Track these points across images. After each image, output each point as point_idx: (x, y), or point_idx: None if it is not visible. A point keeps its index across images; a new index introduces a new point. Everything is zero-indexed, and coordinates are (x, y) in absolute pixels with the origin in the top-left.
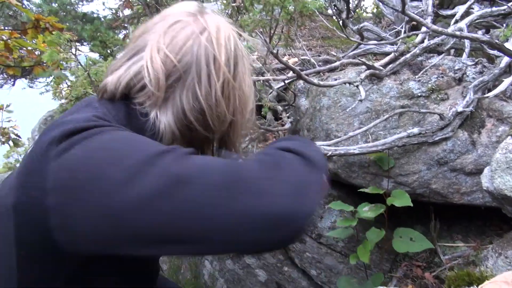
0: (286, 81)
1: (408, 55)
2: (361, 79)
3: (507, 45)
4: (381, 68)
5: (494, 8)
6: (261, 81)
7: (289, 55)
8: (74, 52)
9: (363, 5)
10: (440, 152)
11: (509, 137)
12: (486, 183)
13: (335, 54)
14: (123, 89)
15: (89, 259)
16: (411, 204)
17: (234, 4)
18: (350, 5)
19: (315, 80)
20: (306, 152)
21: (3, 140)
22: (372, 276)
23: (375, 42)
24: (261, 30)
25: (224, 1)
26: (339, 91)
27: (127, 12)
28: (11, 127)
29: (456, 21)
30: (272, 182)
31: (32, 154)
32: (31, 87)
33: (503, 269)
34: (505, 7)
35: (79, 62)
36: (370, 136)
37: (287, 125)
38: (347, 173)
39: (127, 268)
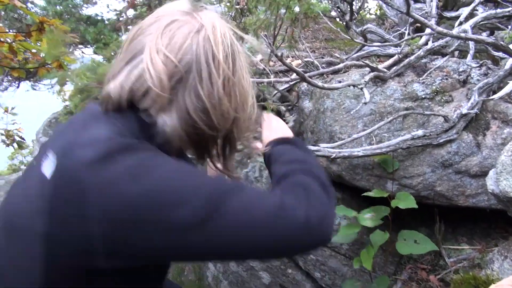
0: (290, 83)
1: (412, 57)
2: (365, 81)
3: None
4: (385, 70)
5: (498, 10)
6: (265, 83)
7: (292, 57)
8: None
9: (367, 6)
10: (444, 154)
11: None
12: (491, 186)
13: (338, 56)
14: (128, 96)
15: (119, 270)
16: (416, 206)
17: (238, 7)
18: (354, 7)
19: (319, 83)
20: (322, 177)
21: (7, 142)
22: (376, 279)
23: (379, 44)
24: (265, 33)
25: (228, 4)
26: (343, 93)
27: (131, 12)
28: (15, 129)
29: (461, 23)
30: (305, 214)
31: (58, 178)
32: (35, 89)
33: (509, 272)
34: (509, 9)
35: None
36: (374, 138)
37: (290, 124)
38: (351, 175)
39: (147, 271)
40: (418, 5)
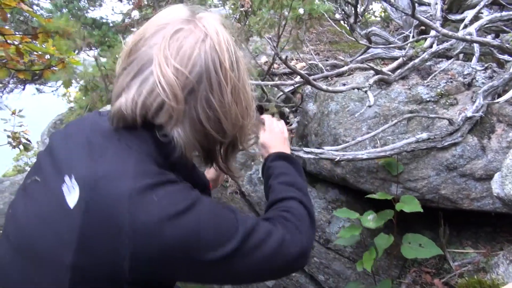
0: (295, 86)
1: (416, 60)
2: (369, 84)
3: None
4: (390, 73)
5: (504, 13)
6: (269, 86)
7: (296, 59)
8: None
9: (371, 8)
10: (449, 157)
11: None
12: (496, 189)
13: (342, 58)
14: (141, 111)
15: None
16: (421, 210)
17: (242, 9)
18: (358, 10)
19: (324, 86)
20: (310, 208)
21: (14, 144)
22: (380, 282)
23: (383, 46)
24: (270, 36)
25: (232, 6)
26: (347, 96)
27: (136, 13)
28: (22, 131)
29: (466, 26)
30: (295, 244)
31: (88, 213)
32: (41, 92)
33: None
34: None
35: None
36: (378, 141)
37: (294, 125)
38: (355, 178)
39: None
40: (423, 8)
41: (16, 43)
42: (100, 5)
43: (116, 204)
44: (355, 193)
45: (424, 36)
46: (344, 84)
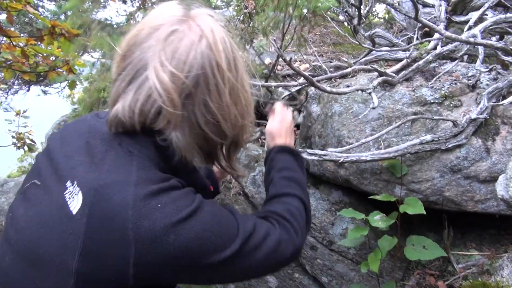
0: (298, 87)
1: (421, 62)
2: (373, 86)
3: None
4: (394, 74)
5: (508, 15)
6: (273, 87)
7: (300, 61)
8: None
9: (375, 10)
10: (453, 159)
11: None
12: (501, 191)
13: (346, 60)
14: (139, 118)
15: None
16: (424, 212)
17: (246, 11)
18: (362, 11)
19: (327, 88)
20: (308, 206)
21: (18, 145)
22: (384, 284)
23: (387, 48)
24: (274, 38)
25: (236, 8)
26: (351, 98)
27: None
28: (26, 132)
29: (470, 28)
30: (291, 244)
31: (93, 219)
32: (46, 93)
33: None
34: None
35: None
36: (382, 143)
37: (300, 119)
38: (358, 180)
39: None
40: (427, 9)
41: (21, 45)
42: (105, 7)
43: (120, 211)
44: (358, 194)
45: (428, 38)
46: (348, 86)
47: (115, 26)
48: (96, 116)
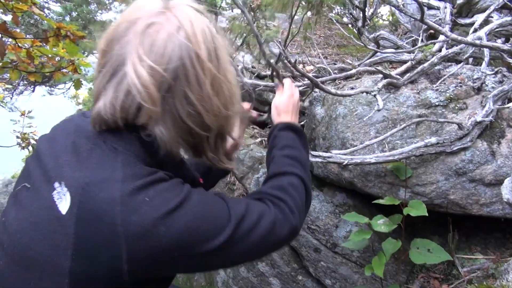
0: (302, 88)
1: (426, 64)
2: (378, 88)
3: None
4: (398, 77)
5: None
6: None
7: (304, 63)
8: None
9: (379, 12)
10: (458, 162)
11: None
12: (506, 195)
13: (350, 62)
14: (121, 114)
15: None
16: (426, 214)
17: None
18: (366, 13)
19: (332, 90)
20: (308, 185)
21: (23, 145)
22: (388, 287)
23: (392, 50)
24: (279, 39)
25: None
26: (355, 100)
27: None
28: (31, 132)
29: (475, 30)
30: (287, 224)
31: (82, 217)
32: (51, 94)
33: None
34: None
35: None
36: (386, 145)
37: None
38: (363, 182)
39: (162, 283)
40: (432, 12)
41: (26, 46)
42: (110, 9)
43: (108, 208)
44: (362, 197)
45: (433, 41)
46: (352, 88)
47: None
48: (83, 116)
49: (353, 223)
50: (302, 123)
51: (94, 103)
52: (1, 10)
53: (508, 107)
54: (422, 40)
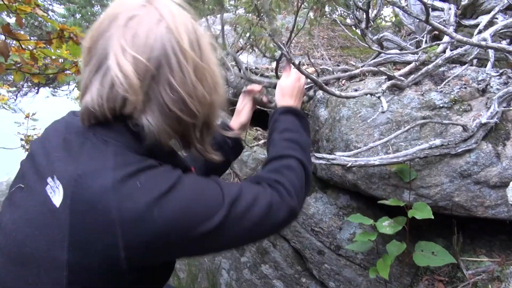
0: (306, 87)
1: (430, 66)
2: (382, 90)
3: None
4: (403, 78)
5: None
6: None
7: (307, 64)
8: None
9: (382, 13)
10: (463, 164)
11: None
12: (511, 197)
13: (354, 64)
14: (108, 105)
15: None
16: (432, 217)
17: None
18: (369, 15)
19: (336, 92)
20: (308, 168)
21: (27, 147)
22: None
23: (397, 51)
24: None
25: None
26: (359, 102)
27: None
28: (35, 134)
29: (480, 31)
30: (284, 207)
31: (75, 208)
32: (55, 95)
33: None
34: None
35: None
36: (390, 147)
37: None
38: (367, 184)
39: (160, 271)
40: (436, 13)
41: (30, 48)
42: None
43: (101, 196)
44: (366, 199)
45: (438, 42)
46: (356, 90)
47: None
48: (72, 114)
49: (357, 226)
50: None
51: (82, 98)
52: (5, 12)
53: None
54: (426, 41)
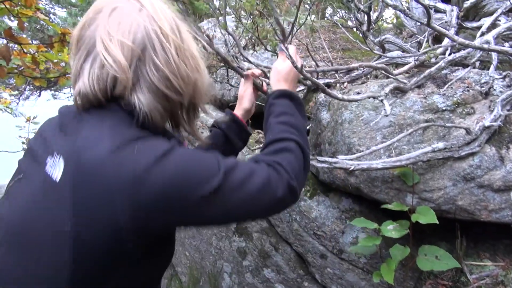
0: (305, 91)
1: (433, 69)
2: (385, 93)
3: None
4: (405, 81)
5: None
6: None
7: (309, 66)
8: None
9: (383, 15)
10: (466, 167)
11: None
12: None
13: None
14: (99, 87)
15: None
16: (437, 222)
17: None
18: (371, 17)
19: (339, 95)
20: (306, 150)
21: None
22: None
23: (399, 53)
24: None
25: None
26: (361, 105)
27: None
28: None
29: (483, 34)
30: (282, 184)
31: (76, 177)
32: (56, 98)
33: None
34: None
35: None
36: (393, 151)
37: (307, 127)
38: (369, 188)
39: (163, 253)
40: (438, 15)
41: (32, 52)
42: None
43: (100, 163)
44: (369, 203)
45: (440, 45)
46: (358, 93)
47: None
48: (66, 106)
49: (360, 229)
50: (308, 127)
51: (74, 85)
52: (7, 16)
53: None
54: (427, 41)
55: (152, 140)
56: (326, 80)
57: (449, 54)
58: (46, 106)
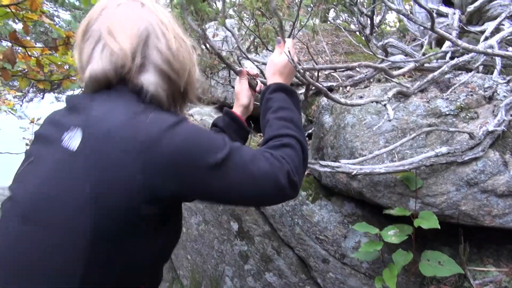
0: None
1: (436, 73)
2: (388, 97)
3: None
4: (408, 85)
5: None
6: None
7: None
8: None
9: (386, 18)
10: (470, 172)
11: None
12: None
13: (358, 70)
14: (109, 70)
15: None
16: (439, 227)
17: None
18: (374, 21)
19: (342, 99)
20: (304, 144)
21: None
22: None
23: (402, 57)
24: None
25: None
26: (364, 109)
27: None
28: None
29: (486, 38)
30: (283, 173)
31: (95, 143)
32: (59, 101)
33: None
34: None
35: None
36: (396, 155)
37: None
38: (372, 192)
39: (173, 226)
40: (441, 19)
41: (36, 55)
42: None
43: (117, 128)
44: (371, 207)
45: (443, 50)
46: (361, 97)
47: None
48: (72, 94)
49: (362, 234)
50: (310, 131)
51: (84, 71)
52: (12, 19)
53: None
54: (429, 43)
55: (162, 113)
56: (329, 84)
57: (451, 58)
58: (50, 108)
